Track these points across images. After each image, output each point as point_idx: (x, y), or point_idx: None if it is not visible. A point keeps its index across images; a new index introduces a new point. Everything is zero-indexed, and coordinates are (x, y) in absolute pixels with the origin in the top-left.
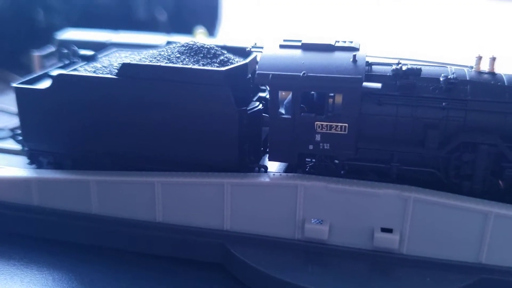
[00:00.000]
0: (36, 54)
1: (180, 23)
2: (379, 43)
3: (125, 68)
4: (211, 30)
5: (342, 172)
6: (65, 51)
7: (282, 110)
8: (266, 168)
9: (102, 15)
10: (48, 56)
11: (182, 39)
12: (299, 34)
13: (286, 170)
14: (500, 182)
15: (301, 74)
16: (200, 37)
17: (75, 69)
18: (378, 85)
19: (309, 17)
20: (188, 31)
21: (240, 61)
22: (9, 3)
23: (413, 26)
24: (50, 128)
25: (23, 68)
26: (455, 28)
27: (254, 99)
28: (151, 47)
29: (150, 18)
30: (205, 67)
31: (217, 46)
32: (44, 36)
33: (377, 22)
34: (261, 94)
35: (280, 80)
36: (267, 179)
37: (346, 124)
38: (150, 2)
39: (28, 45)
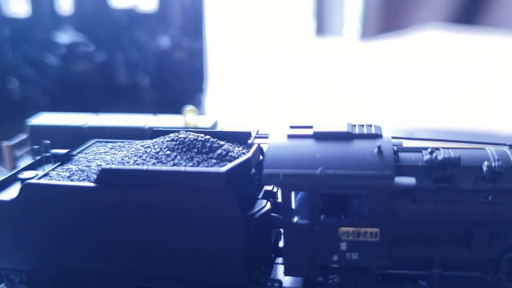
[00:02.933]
0: (5, 144)
1: (164, 87)
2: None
3: (105, 174)
4: (197, 94)
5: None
6: (36, 146)
7: (294, 206)
8: (280, 283)
9: (81, 83)
10: (19, 145)
11: (169, 119)
12: (303, 112)
13: (305, 283)
14: None
15: (318, 171)
16: (189, 116)
17: (46, 174)
18: (411, 180)
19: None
20: (173, 95)
21: (240, 151)
22: None
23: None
24: (21, 243)
25: None
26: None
27: (260, 196)
28: (135, 130)
29: (131, 84)
30: (202, 169)
31: (212, 132)
32: (19, 108)
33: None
34: (267, 188)
35: (293, 179)
36: None
37: (377, 229)
38: (131, 68)
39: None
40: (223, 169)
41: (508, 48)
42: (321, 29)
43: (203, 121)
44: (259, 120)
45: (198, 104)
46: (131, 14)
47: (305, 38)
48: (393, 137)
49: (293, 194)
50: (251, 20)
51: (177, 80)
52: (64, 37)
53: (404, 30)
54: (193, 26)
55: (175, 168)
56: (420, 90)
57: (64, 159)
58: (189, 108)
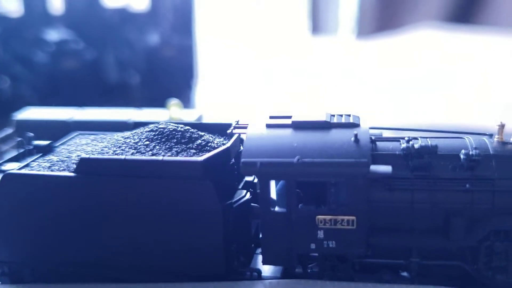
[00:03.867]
0: None
1: (154, 84)
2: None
3: (84, 164)
4: (187, 91)
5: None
6: (19, 139)
7: (273, 197)
8: (259, 272)
9: (71, 80)
10: (5, 140)
11: (154, 113)
12: (283, 100)
13: (284, 272)
14: None
15: (295, 160)
16: (174, 110)
17: (27, 165)
18: (388, 168)
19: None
20: (163, 92)
21: (221, 142)
22: None
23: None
24: (1, 234)
25: None
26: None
27: (240, 186)
28: (119, 124)
29: (122, 81)
30: (179, 158)
31: (193, 124)
32: (10, 106)
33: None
34: (248, 179)
35: (271, 168)
36: None
37: (354, 217)
38: (121, 65)
39: None
40: (201, 158)
41: (504, 46)
42: (316, 28)
43: (188, 115)
44: (248, 116)
45: (187, 100)
46: (122, 13)
47: (298, 36)
48: (372, 128)
49: (273, 185)
50: (243, 18)
51: (167, 77)
52: (54, 34)
53: (400, 29)
54: (184, 24)
55: (153, 157)
56: (414, 89)
57: (46, 151)
58: (173, 102)
